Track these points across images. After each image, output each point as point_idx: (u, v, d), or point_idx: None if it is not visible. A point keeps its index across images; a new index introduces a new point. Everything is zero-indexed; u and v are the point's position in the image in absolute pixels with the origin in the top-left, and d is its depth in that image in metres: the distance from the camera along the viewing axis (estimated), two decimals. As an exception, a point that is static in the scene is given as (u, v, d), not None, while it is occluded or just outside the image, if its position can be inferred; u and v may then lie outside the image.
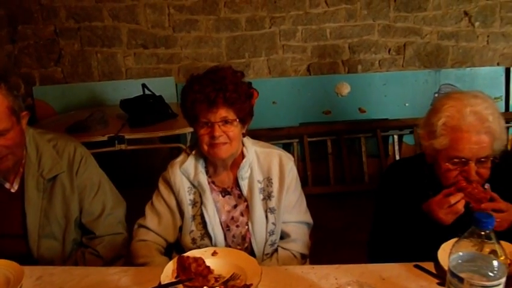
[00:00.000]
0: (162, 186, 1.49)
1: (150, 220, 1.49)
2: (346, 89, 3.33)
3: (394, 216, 1.40)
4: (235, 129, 1.39)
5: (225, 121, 1.37)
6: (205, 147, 1.40)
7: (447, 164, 1.30)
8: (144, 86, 2.98)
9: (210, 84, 1.36)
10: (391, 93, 3.32)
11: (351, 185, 3.30)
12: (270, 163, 1.47)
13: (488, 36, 3.33)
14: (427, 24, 3.29)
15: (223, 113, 1.36)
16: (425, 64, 3.35)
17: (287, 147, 3.32)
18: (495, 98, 3.35)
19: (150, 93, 2.99)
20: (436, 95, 3.32)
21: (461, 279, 0.94)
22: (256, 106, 3.32)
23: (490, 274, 0.93)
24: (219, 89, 1.35)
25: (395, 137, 3.34)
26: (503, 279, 0.93)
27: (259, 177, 1.47)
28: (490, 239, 0.94)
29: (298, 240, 1.49)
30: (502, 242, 1.08)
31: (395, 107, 3.33)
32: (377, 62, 3.35)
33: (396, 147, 3.34)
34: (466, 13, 3.29)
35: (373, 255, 1.49)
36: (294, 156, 3.13)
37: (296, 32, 3.29)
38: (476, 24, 3.30)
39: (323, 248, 2.39)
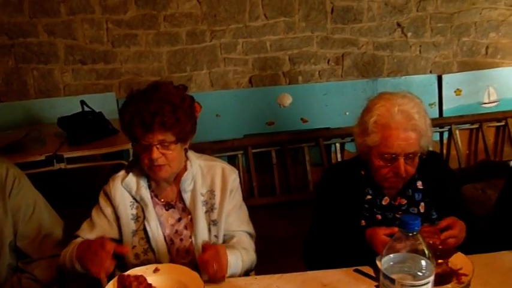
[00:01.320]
0: (101, 199, 1.53)
1: (84, 229, 1.51)
2: (288, 100, 3.59)
3: (331, 217, 1.55)
4: (174, 151, 1.42)
5: (163, 144, 1.40)
6: (146, 168, 1.44)
7: (379, 160, 1.46)
8: (83, 102, 3.10)
9: (146, 108, 1.37)
10: (331, 102, 3.61)
11: (296, 194, 3.54)
12: (213, 176, 1.53)
13: (420, 46, 3.69)
14: (363, 36, 3.61)
15: (160, 136, 1.38)
16: (363, 74, 3.67)
17: (232, 159, 3.54)
18: (429, 104, 3.72)
19: (89, 109, 3.11)
20: (375, 103, 3.64)
21: (392, 281, 1.01)
22: (200, 119, 3.54)
23: (419, 274, 1.01)
24: (155, 113, 1.36)
25: (338, 145, 3.62)
26: (431, 278, 1.01)
27: (202, 189, 1.52)
28: (418, 240, 1.02)
29: (241, 247, 1.51)
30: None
31: (336, 116, 3.61)
32: (317, 73, 3.63)
33: (339, 155, 3.63)
34: (398, 24, 3.64)
35: (308, 255, 1.63)
36: (239, 168, 3.38)
37: (237, 44, 3.52)
38: (409, 34, 3.66)
39: (271, 259, 2.59)
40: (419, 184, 1.57)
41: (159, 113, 1.36)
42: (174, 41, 3.48)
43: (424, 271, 1.01)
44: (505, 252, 1.43)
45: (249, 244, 1.55)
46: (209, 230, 1.51)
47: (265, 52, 3.55)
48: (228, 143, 3.47)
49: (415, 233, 1.02)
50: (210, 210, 1.52)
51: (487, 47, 3.79)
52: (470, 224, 1.54)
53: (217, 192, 1.53)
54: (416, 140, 1.43)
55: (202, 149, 3.21)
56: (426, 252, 1.02)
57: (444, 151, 3.82)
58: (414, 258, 1.02)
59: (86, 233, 1.50)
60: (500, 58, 3.82)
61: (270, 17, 3.50)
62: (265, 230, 3.19)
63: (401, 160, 1.43)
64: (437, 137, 3.80)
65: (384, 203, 1.56)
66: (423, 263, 1.01)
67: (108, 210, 1.51)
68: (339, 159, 3.63)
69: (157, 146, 1.39)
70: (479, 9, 3.70)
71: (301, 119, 3.62)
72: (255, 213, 3.47)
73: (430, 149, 1.58)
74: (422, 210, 1.55)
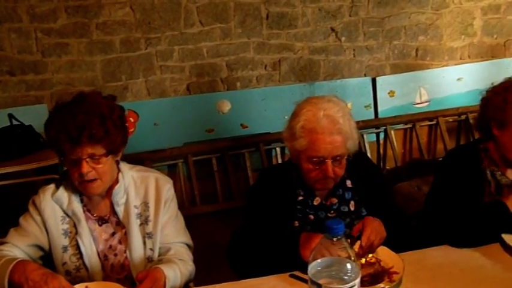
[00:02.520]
0: (30, 208, 1.51)
1: (13, 236, 1.49)
2: (227, 106, 3.76)
3: (263, 221, 1.63)
4: (105, 164, 1.43)
5: (93, 157, 1.40)
6: (76, 183, 1.44)
7: (308, 164, 1.57)
8: (10, 116, 3.13)
9: (72, 121, 1.35)
10: (270, 107, 3.81)
11: (238, 200, 3.69)
12: (146, 187, 1.55)
13: (354, 50, 3.97)
14: (298, 41, 3.84)
15: (89, 150, 1.38)
16: (300, 78, 3.90)
17: (172, 168, 3.66)
18: (365, 106, 4.01)
19: (18, 123, 3.14)
20: (312, 107, 3.88)
21: (319, 286, 1.05)
22: (138, 129, 3.66)
23: (345, 277, 1.06)
24: (82, 126, 1.35)
25: (278, 149, 3.82)
26: (357, 281, 1.07)
27: (135, 202, 1.53)
28: (342, 243, 1.08)
29: (179, 259, 1.53)
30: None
31: (275, 121, 3.79)
32: (255, 78, 3.82)
33: (279, 159, 3.83)
34: (332, 29, 3.90)
35: (234, 256, 1.69)
36: (179, 176, 3.51)
37: (173, 52, 3.65)
38: (343, 39, 3.93)
39: (213, 267, 2.72)
40: (348, 183, 1.71)
41: (86, 126, 1.35)
42: (108, 50, 3.55)
43: (349, 274, 1.06)
44: (434, 248, 1.57)
45: (186, 255, 1.58)
46: (144, 243, 1.53)
47: (202, 59, 3.69)
48: (167, 152, 3.58)
49: (339, 237, 1.08)
50: (144, 222, 1.53)
51: (417, 50, 4.13)
52: (400, 222, 1.72)
53: (152, 204, 1.54)
54: (342, 143, 1.53)
55: (140, 159, 3.34)
56: (351, 255, 1.08)
57: (381, 151, 4.12)
58: (340, 262, 1.08)
59: (17, 240, 1.48)
60: (429, 60, 4.17)
61: (205, 23, 3.64)
62: (208, 238, 3.36)
63: (329, 163, 1.53)
64: (373, 137, 4.09)
65: (315, 203, 1.68)
66: (349, 266, 1.07)
67: (38, 219, 1.50)
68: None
69: (87, 159, 1.39)
70: (408, 14, 4.03)
71: (241, 124, 3.79)
72: (197, 221, 3.65)
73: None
74: (352, 208, 1.69)
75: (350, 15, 3.89)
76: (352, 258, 1.08)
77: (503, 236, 1.54)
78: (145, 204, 1.55)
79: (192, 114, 3.69)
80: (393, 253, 1.46)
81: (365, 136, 3.96)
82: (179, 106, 3.67)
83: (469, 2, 4.19)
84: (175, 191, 3.55)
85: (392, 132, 4.03)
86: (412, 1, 4.01)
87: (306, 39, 3.84)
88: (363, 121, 3.92)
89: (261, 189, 1.72)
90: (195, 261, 1.65)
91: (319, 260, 1.09)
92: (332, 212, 1.68)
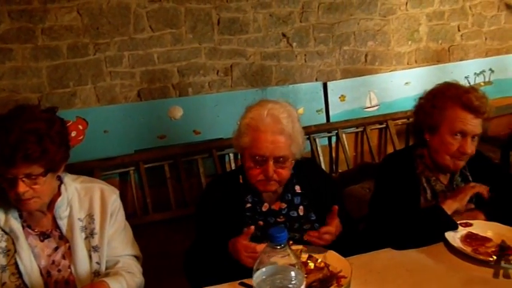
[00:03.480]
0: None
1: None
2: (179, 113, 3.86)
3: (213, 230, 1.71)
4: (43, 184, 1.40)
5: (30, 177, 1.36)
6: (13, 201, 1.42)
7: (250, 162, 1.66)
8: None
9: (5, 139, 1.30)
10: (223, 113, 3.93)
11: (192, 207, 3.78)
12: (91, 199, 1.54)
13: (305, 55, 4.16)
14: (250, 46, 3.98)
15: (25, 170, 1.34)
16: (252, 83, 4.04)
17: (123, 176, 3.72)
18: (317, 111, 4.21)
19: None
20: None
21: None
22: (87, 136, 3.69)
23: (290, 285, 1.10)
24: (16, 146, 1.30)
25: (231, 155, 3.94)
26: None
27: (80, 214, 1.52)
28: (286, 251, 1.12)
29: (127, 271, 1.56)
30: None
31: (228, 127, 3.85)
32: (207, 84, 3.94)
33: (233, 165, 3.95)
34: (284, 35, 4.07)
35: (189, 267, 1.77)
36: (131, 184, 3.57)
37: (123, 58, 3.70)
38: (294, 44, 4.11)
39: (167, 275, 2.80)
40: (297, 188, 1.82)
41: (21, 145, 1.30)
42: (54, 55, 3.56)
43: (294, 282, 1.10)
44: (381, 251, 1.69)
45: (135, 267, 1.61)
46: (90, 257, 1.52)
47: (152, 65, 3.76)
48: (118, 160, 3.63)
49: (282, 245, 1.11)
50: (90, 236, 1.53)
51: (366, 55, 4.37)
52: (349, 226, 1.86)
53: (97, 216, 1.53)
54: (285, 144, 1.60)
55: (90, 167, 3.39)
56: (296, 263, 1.12)
57: (333, 154, 4.32)
58: (284, 270, 1.11)
59: None
60: (378, 65, 4.42)
61: (155, 29, 3.72)
62: (161, 247, 3.45)
63: (270, 163, 1.61)
64: (325, 141, 4.29)
65: (263, 209, 1.78)
66: (293, 273, 1.11)
67: None
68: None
69: (23, 179, 1.35)
70: (357, 20, 4.26)
71: (194, 131, 3.89)
72: (150, 230, 3.73)
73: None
74: (301, 213, 1.80)
75: (301, 21, 4.07)
76: (297, 266, 1.12)
77: (447, 235, 1.68)
78: (90, 216, 1.54)
79: (143, 120, 3.75)
80: (341, 257, 1.54)
81: (317, 140, 4.15)
82: (130, 113, 3.72)
83: (415, 8, 4.47)
84: (127, 199, 3.67)
85: (344, 135, 4.24)
86: (361, 8, 4.24)
87: (258, 45, 3.99)
88: (315, 125, 4.12)
89: (208, 199, 1.80)
90: (147, 270, 1.71)
91: (263, 269, 1.11)
92: (281, 217, 1.78)
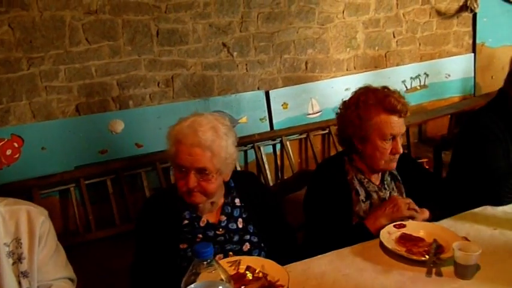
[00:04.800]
0: None
1: None
2: (120, 126, 3.90)
3: (152, 248, 1.75)
4: None
5: None
6: None
7: (176, 172, 1.73)
8: None
9: None
10: (165, 125, 3.84)
11: (137, 221, 3.86)
12: (17, 222, 1.51)
13: (246, 64, 4.32)
14: (190, 57, 4.09)
15: None
16: (194, 94, 4.15)
17: (64, 194, 3.71)
18: (260, 119, 4.38)
19: None
20: (208, 122, 4.16)
21: None
22: (23, 154, 3.67)
23: None
24: None
25: (176, 167, 4.04)
26: None
27: (6, 239, 1.49)
28: (214, 266, 1.15)
29: None
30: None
31: (171, 138, 4.02)
32: (148, 96, 4.01)
33: (178, 177, 4.05)
34: (224, 44, 4.22)
35: (132, 283, 1.82)
36: (72, 201, 3.59)
37: (58, 72, 3.70)
38: (235, 54, 4.26)
39: None
40: (237, 201, 1.92)
41: None
42: (-15, 71, 3.53)
43: None
44: (318, 257, 1.78)
45: None
46: (19, 283, 1.49)
47: (90, 78, 3.79)
48: (57, 177, 3.62)
49: (209, 261, 1.16)
50: (18, 261, 1.50)
51: (306, 63, 4.59)
52: (288, 236, 1.99)
53: (25, 240, 1.50)
54: (204, 157, 1.66)
55: (27, 186, 3.39)
56: (224, 277, 1.16)
57: (278, 162, 4.50)
58: (213, 285, 1.14)
59: None
60: (318, 72, 4.65)
61: (92, 41, 3.76)
62: (106, 264, 3.48)
63: (191, 174, 1.67)
64: (270, 149, 4.46)
65: (201, 224, 1.85)
66: None
67: None
68: (178, 181, 4.03)
69: None
70: (296, 29, 4.47)
71: (136, 144, 3.94)
72: (93, 247, 3.75)
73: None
74: (240, 226, 1.89)
75: (241, 31, 4.23)
76: (225, 280, 1.16)
77: (381, 237, 1.82)
78: (17, 240, 1.51)
79: (82, 135, 3.77)
80: (279, 266, 1.60)
81: (262, 148, 4.32)
82: (68, 128, 3.72)
83: (352, 16, 4.75)
84: (68, 217, 3.69)
85: (288, 143, 4.43)
86: (299, 17, 4.46)
87: (198, 55, 4.10)
88: (258, 134, 4.28)
89: (146, 216, 1.85)
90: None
91: (192, 286, 1.14)
92: (220, 229, 1.87)
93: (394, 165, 2.04)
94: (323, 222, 1.98)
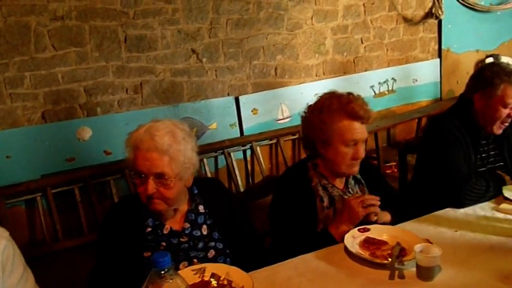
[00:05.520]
0: None
1: None
2: (87, 133, 3.85)
3: (115, 256, 1.73)
4: None
5: None
6: None
7: (135, 179, 1.69)
8: None
9: None
10: (134, 132, 3.97)
11: (106, 230, 3.81)
12: None
13: (216, 70, 4.32)
14: (159, 63, 4.08)
15: None
16: (163, 101, 4.13)
17: (30, 203, 3.64)
18: (230, 125, 4.38)
19: None
20: (178, 128, 4.15)
21: None
22: (-13, 163, 3.50)
23: None
24: None
25: (145, 174, 4.01)
26: None
27: None
28: (171, 275, 1.15)
29: None
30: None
31: (141, 145, 3.99)
32: (116, 103, 3.97)
33: (147, 184, 4.01)
34: (193, 51, 4.21)
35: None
36: (39, 211, 3.52)
37: (24, 78, 3.63)
38: (204, 60, 4.26)
39: None
40: (201, 208, 1.91)
41: None
42: None
43: None
44: (283, 263, 1.78)
45: None
46: None
47: (57, 85, 3.73)
48: (23, 186, 3.54)
49: (167, 270, 1.15)
50: None
51: (275, 68, 4.62)
52: (254, 242, 1.98)
53: None
54: (161, 161, 1.64)
55: (-9, 196, 3.30)
56: (182, 287, 1.17)
57: (249, 167, 4.51)
58: None
59: None
60: (288, 78, 4.69)
61: (58, 47, 3.70)
62: (74, 274, 3.42)
63: (150, 180, 1.64)
64: (240, 155, 4.47)
65: (165, 231, 1.83)
66: None
67: None
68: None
69: None
70: (265, 35, 4.51)
71: (104, 151, 3.90)
72: (61, 258, 3.68)
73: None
74: (205, 232, 1.88)
75: (210, 37, 4.24)
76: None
77: (346, 242, 1.83)
78: None
79: (49, 143, 3.70)
80: (244, 273, 1.59)
81: (232, 154, 4.32)
82: (34, 136, 3.65)
83: (320, 23, 4.81)
84: (35, 227, 3.61)
85: (258, 148, 4.45)
86: (268, 23, 4.49)
87: (167, 62, 4.09)
88: (229, 140, 4.29)
89: (109, 225, 1.83)
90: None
91: None
92: (184, 237, 1.85)
93: (355, 170, 2.06)
94: (287, 231, 1.98)
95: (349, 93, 2.05)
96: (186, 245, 1.83)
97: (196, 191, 1.94)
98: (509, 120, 2.30)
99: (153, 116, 3.88)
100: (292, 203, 2.01)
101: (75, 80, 3.79)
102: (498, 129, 2.32)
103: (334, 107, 1.97)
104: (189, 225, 1.87)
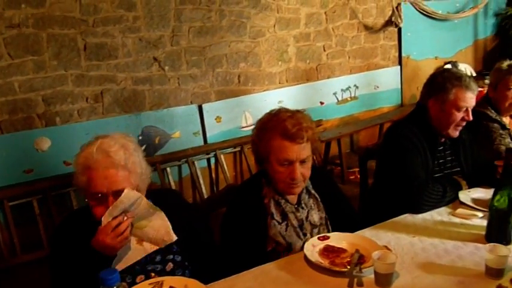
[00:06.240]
0: None
1: None
2: (46, 144, 3.75)
3: (66, 269, 1.65)
4: None
5: None
6: None
7: (91, 201, 1.62)
8: None
9: None
10: (95, 141, 3.89)
11: (66, 242, 3.71)
12: None
13: (178, 78, 4.29)
14: (120, 71, 4.01)
15: None
16: (125, 109, 4.07)
17: (-15, 217, 3.53)
18: (194, 133, 4.35)
19: None
20: (140, 137, 4.09)
21: None
22: None
23: None
24: None
25: (107, 184, 3.92)
26: None
27: None
28: None
29: None
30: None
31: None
32: (76, 112, 3.88)
33: (109, 195, 3.93)
34: (155, 59, 4.16)
35: None
36: (-5, 225, 3.39)
37: (-22, 88, 3.53)
38: (166, 68, 4.22)
39: None
40: None
41: None
42: None
43: None
44: (244, 273, 1.74)
45: None
46: None
47: (13, 94, 3.62)
48: (-22, 199, 3.43)
49: (115, 287, 1.17)
50: None
51: (239, 76, 4.62)
52: (214, 253, 1.93)
53: None
54: (120, 177, 1.60)
55: None
56: None
57: (213, 175, 4.48)
58: None
59: None
60: (251, 85, 4.70)
61: (15, 56, 3.59)
62: (33, 289, 3.31)
63: (110, 199, 1.59)
64: (204, 163, 4.44)
65: None
66: None
67: None
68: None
69: None
70: (227, 42, 4.50)
71: (64, 162, 3.79)
72: (19, 272, 3.57)
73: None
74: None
75: (172, 45, 4.20)
76: None
77: (305, 250, 1.81)
78: None
79: (6, 155, 3.59)
80: (202, 285, 1.58)
81: (196, 163, 4.28)
82: (-10, 147, 3.54)
83: (283, 30, 4.84)
84: (-10, 242, 3.45)
85: (222, 156, 4.42)
86: (231, 31, 4.49)
87: (129, 70, 4.03)
88: (192, 148, 4.25)
89: (59, 243, 1.74)
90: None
91: None
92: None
93: (295, 190, 1.99)
94: (234, 248, 1.94)
95: (294, 111, 1.98)
96: (143, 258, 1.79)
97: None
98: (464, 123, 2.34)
99: (115, 125, 3.89)
100: (242, 220, 1.95)
101: (33, 89, 3.69)
102: (454, 132, 2.36)
103: (270, 125, 1.92)
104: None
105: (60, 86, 3.78)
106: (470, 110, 2.33)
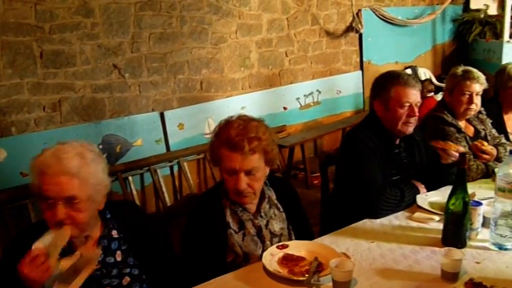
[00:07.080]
0: None
1: None
2: (1, 155, 3.61)
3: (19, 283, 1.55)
4: None
5: None
6: None
7: (43, 205, 1.57)
8: None
9: None
10: (53, 151, 3.78)
11: (24, 256, 3.58)
12: None
13: (139, 85, 4.22)
14: (78, 79, 3.91)
15: None
16: (84, 118, 3.97)
17: None
18: (156, 141, 4.29)
19: None
20: (101, 146, 3.99)
21: None
22: None
23: None
24: None
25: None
26: None
27: None
28: None
29: None
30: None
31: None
32: (33, 122, 3.76)
33: (69, 205, 3.83)
34: (115, 66, 4.08)
35: None
36: None
37: None
38: (126, 75, 4.14)
39: None
40: (114, 233, 1.80)
41: None
42: None
43: None
44: (202, 285, 1.72)
45: None
46: None
47: (-34, 104, 3.50)
48: None
49: None
50: None
51: (201, 82, 4.58)
52: (172, 265, 1.88)
53: None
54: (69, 185, 1.57)
55: None
56: None
57: (176, 183, 4.43)
58: None
59: None
60: (214, 91, 4.67)
61: (-33, 64, 3.48)
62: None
63: (58, 205, 1.56)
64: (167, 171, 4.38)
65: (74, 258, 1.64)
66: None
67: None
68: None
69: None
70: (189, 49, 4.46)
71: (21, 173, 3.67)
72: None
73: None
74: (119, 259, 1.78)
75: (132, 52, 4.13)
76: None
77: (264, 260, 1.80)
78: None
79: (-43, 167, 3.46)
80: None
81: (158, 171, 4.22)
82: None
83: (245, 37, 4.83)
84: None
85: (185, 164, 4.37)
86: (192, 37, 4.45)
87: (87, 77, 3.94)
88: (155, 156, 4.19)
89: (13, 252, 1.66)
90: None
91: None
92: (97, 264, 1.72)
93: (245, 200, 1.96)
94: (195, 260, 1.91)
95: (249, 119, 1.94)
96: (99, 272, 1.73)
97: (109, 215, 1.84)
98: (412, 119, 2.36)
99: (74, 134, 3.79)
100: (202, 230, 1.92)
101: (-14, 99, 3.56)
102: (405, 128, 2.37)
103: (220, 132, 1.90)
104: (101, 251, 1.76)
105: (15, 95, 3.66)
106: (415, 105, 2.34)
